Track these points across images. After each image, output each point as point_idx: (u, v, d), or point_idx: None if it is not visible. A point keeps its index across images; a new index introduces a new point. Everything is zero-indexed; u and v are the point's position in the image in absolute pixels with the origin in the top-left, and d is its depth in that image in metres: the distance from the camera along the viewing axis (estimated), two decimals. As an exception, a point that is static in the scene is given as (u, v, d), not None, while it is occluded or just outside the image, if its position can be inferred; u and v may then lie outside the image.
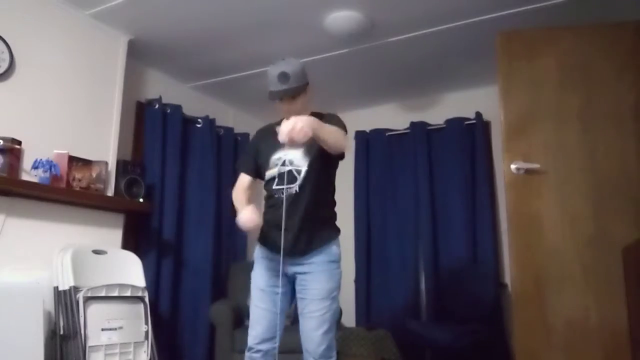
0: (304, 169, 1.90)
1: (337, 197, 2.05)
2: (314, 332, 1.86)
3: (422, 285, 3.76)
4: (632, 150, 2.18)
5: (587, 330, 2.10)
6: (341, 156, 1.94)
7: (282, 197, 1.88)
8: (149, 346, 2.61)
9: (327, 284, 1.90)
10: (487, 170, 3.72)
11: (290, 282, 1.98)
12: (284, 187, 1.89)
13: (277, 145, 1.86)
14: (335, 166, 2.02)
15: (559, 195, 2.22)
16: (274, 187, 1.94)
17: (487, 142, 3.80)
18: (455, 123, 3.87)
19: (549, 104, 2.29)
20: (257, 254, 2.03)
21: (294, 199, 1.89)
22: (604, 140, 2.21)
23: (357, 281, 4.01)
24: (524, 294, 2.20)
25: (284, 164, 1.93)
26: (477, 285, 3.41)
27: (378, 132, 4.22)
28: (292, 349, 2.20)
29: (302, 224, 1.89)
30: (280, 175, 1.92)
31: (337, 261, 1.95)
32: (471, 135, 3.82)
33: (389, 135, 4.19)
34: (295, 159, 1.92)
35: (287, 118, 1.80)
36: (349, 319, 3.85)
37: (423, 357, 3.47)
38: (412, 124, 4.06)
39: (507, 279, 3.40)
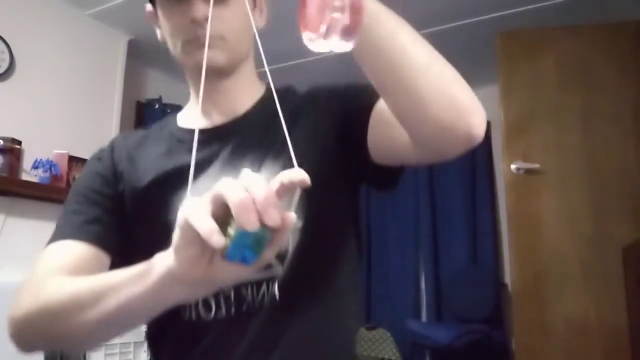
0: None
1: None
2: None
3: (422, 285, 3.76)
4: (632, 150, 2.18)
5: (587, 330, 2.09)
6: (386, 178, 0.78)
7: (233, 318, 0.68)
8: (149, 346, 2.61)
9: None
10: (487, 170, 3.72)
11: None
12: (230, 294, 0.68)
13: (184, 168, 0.72)
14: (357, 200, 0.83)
15: (559, 195, 2.22)
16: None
17: (487, 142, 3.80)
18: (455, 123, 3.87)
19: (549, 104, 2.29)
20: None
21: (267, 317, 0.68)
22: (604, 140, 2.21)
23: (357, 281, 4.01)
24: (524, 294, 2.20)
25: None
26: (477, 285, 3.40)
27: (378, 132, 4.22)
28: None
29: None
30: None
31: None
32: (471, 135, 3.82)
33: (389, 135, 4.19)
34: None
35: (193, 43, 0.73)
36: (349, 319, 3.85)
37: (423, 357, 3.47)
38: (412, 124, 4.05)
39: (507, 279, 3.40)
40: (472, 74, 3.08)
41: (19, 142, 2.45)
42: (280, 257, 0.65)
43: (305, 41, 0.49)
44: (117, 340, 2.47)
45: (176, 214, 0.54)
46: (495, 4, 2.72)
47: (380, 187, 0.81)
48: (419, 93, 0.56)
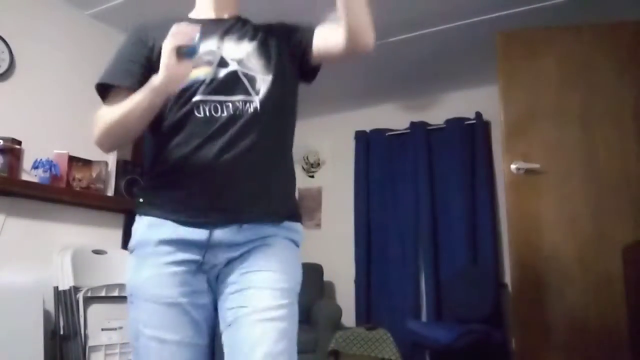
0: (264, 76, 1.12)
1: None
2: (267, 346, 0.96)
3: (422, 285, 3.76)
4: (632, 150, 2.18)
5: (587, 330, 2.09)
6: (313, 73, 1.25)
7: (224, 115, 1.07)
8: (149, 346, 2.61)
9: (290, 266, 1.09)
10: (487, 170, 3.72)
11: (212, 287, 1.09)
12: (230, 98, 1.08)
13: (200, 34, 1.00)
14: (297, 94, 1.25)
15: (559, 195, 2.22)
16: (205, 96, 1.08)
17: (487, 142, 3.81)
18: (455, 123, 3.87)
19: (549, 104, 2.29)
20: (146, 236, 1.07)
21: (248, 122, 1.08)
22: (604, 140, 2.21)
23: (357, 281, 4.01)
24: (524, 294, 2.20)
25: (223, 63, 1.12)
26: (477, 285, 3.40)
27: (378, 132, 4.22)
28: None
29: (260, 168, 1.08)
30: (218, 80, 1.10)
31: (299, 247, 1.16)
32: (471, 135, 3.82)
33: (389, 135, 4.19)
34: (245, 58, 1.14)
35: None
36: (349, 319, 3.85)
37: (423, 357, 3.47)
38: (412, 124, 4.06)
39: (507, 279, 3.40)
40: (472, 74, 3.11)
41: (19, 142, 2.45)
42: (257, 91, 1.11)
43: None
44: (117, 340, 2.47)
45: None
46: (495, 4, 2.72)
47: (307, 79, 1.26)
48: (364, 21, 1.11)
